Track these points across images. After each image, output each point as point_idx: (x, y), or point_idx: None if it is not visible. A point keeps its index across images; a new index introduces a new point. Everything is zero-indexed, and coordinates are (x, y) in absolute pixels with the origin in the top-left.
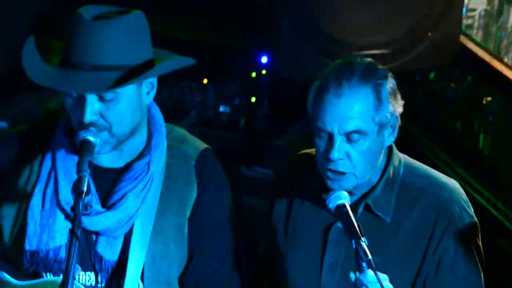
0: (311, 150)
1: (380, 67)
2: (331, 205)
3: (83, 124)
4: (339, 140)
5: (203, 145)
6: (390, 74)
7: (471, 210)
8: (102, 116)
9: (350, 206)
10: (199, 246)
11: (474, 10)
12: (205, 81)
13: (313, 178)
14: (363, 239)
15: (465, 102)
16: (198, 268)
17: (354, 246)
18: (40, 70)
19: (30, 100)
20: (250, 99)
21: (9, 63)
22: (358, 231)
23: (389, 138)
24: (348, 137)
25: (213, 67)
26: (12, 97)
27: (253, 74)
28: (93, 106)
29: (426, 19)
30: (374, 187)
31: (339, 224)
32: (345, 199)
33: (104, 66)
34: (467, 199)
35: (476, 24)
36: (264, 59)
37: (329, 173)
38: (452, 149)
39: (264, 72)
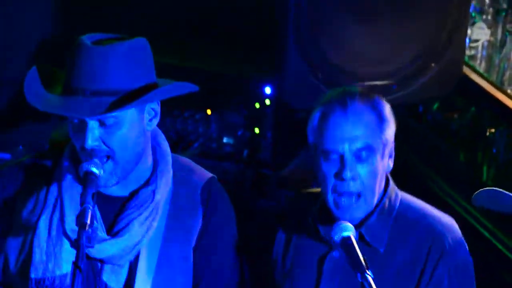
0: (314, 190)
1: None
2: (336, 237)
3: (85, 150)
4: (350, 160)
5: (208, 174)
6: (382, 97)
7: (465, 247)
8: (103, 142)
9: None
10: (204, 276)
11: (477, 41)
12: (208, 111)
13: (312, 210)
14: (368, 272)
15: (468, 133)
16: None
17: (359, 279)
18: (40, 96)
19: (34, 131)
20: (253, 130)
21: (12, 95)
22: (364, 264)
23: (389, 163)
24: (359, 155)
25: (217, 97)
26: (15, 128)
27: (257, 105)
28: (94, 132)
29: (430, 49)
30: (368, 216)
31: (333, 254)
32: (350, 231)
33: (104, 91)
34: (462, 236)
35: (479, 55)
36: (267, 90)
37: (340, 200)
38: (455, 180)
39: (268, 102)
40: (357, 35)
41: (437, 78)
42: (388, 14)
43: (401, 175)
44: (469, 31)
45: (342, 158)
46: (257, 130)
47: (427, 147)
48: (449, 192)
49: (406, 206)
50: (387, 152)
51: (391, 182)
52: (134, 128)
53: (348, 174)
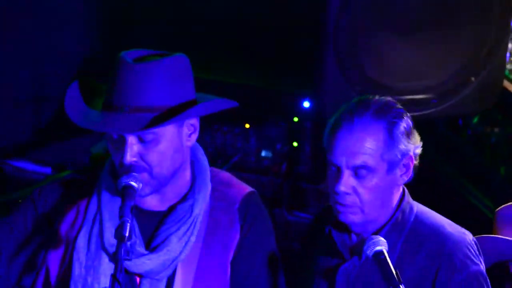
0: None
1: (398, 106)
2: (369, 251)
3: (124, 166)
4: (346, 174)
5: (248, 189)
6: (406, 114)
7: (478, 259)
8: (142, 158)
9: (356, 246)
10: None
11: None
12: (247, 126)
13: (329, 221)
14: (401, 286)
15: (509, 147)
16: None
17: None
18: (81, 112)
19: (74, 146)
20: (292, 144)
21: (54, 108)
22: (397, 278)
23: (402, 177)
24: (356, 172)
25: (255, 112)
26: (57, 143)
27: (295, 119)
28: (133, 148)
29: (470, 64)
30: (380, 229)
31: (346, 266)
32: (383, 246)
33: (144, 107)
34: (476, 248)
35: None
36: (306, 104)
37: (337, 206)
38: (496, 194)
39: (306, 116)
40: (396, 49)
41: (477, 92)
42: (427, 28)
43: (440, 188)
44: (509, 45)
45: (339, 171)
46: (295, 144)
47: (467, 161)
48: (490, 205)
49: (420, 221)
50: (396, 169)
51: (407, 196)
52: (172, 144)
53: (341, 188)
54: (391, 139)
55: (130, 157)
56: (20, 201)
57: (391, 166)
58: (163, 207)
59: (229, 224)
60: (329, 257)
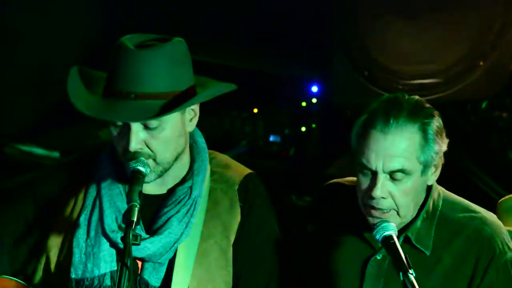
0: (344, 180)
1: (427, 105)
2: (378, 236)
3: (129, 153)
4: (382, 179)
5: (246, 170)
6: (437, 113)
7: (510, 243)
8: (147, 145)
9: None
10: (245, 272)
11: None
12: (255, 110)
13: (351, 210)
14: (410, 271)
15: None
16: None
17: (401, 278)
18: (85, 100)
19: (81, 130)
20: (300, 128)
21: (59, 94)
22: (406, 263)
23: (432, 176)
24: (392, 176)
25: (263, 96)
26: (64, 127)
27: (303, 103)
28: (138, 135)
29: (478, 48)
30: (413, 220)
31: (377, 257)
32: (392, 230)
33: (148, 94)
34: (507, 233)
35: None
36: (314, 88)
37: (372, 211)
38: (504, 179)
39: (314, 101)
40: (403, 34)
41: (485, 77)
42: (435, 13)
43: (449, 174)
44: None
45: (374, 175)
46: (303, 129)
47: (475, 146)
48: (498, 190)
49: (449, 206)
50: (430, 168)
51: (434, 183)
52: (176, 129)
53: (378, 193)
54: (426, 141)
55: (135, 144)
56: (23, 186)
57: (426, 167)
58: (162, 190)
59: (230, 206)
60: (358, 248)
